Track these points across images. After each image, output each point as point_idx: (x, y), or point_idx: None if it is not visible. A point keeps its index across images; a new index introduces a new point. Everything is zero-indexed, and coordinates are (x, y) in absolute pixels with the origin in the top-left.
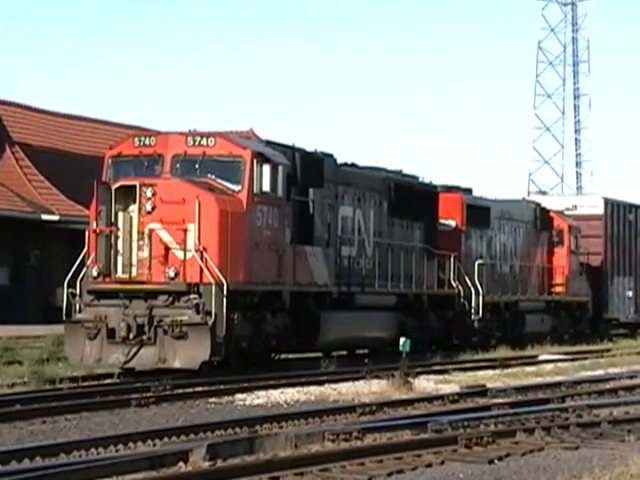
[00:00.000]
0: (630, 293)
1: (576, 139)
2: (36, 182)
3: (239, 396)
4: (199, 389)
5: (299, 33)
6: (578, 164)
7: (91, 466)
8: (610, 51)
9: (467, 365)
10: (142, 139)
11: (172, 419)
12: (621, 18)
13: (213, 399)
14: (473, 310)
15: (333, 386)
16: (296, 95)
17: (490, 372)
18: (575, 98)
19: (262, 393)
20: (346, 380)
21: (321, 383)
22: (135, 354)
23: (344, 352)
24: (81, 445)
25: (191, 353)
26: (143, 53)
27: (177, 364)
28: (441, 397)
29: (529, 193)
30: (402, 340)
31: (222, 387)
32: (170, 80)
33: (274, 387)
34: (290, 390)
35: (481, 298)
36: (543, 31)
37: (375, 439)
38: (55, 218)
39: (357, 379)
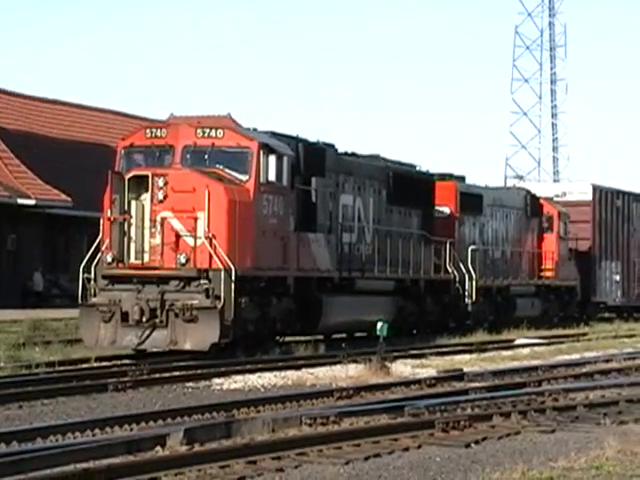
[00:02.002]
0: (617, 277)
1: (553, 124)
2: (12, 166)
3: (216, 380)
4: (176, 374)
5: (286, 14)
6: (555, 149)
7: (68, 451)
8: (587, 35)
9: (444, 349)
10: (153, 131)
11: (149, 403)
12: (597, 2)
13: (190, 383)
14: (467, 294)
15: (310, 370)
16: (277, 79)
17: (467, 356)
18: (552, 83)
19: (239, 377)
20: (323, 365)
21: (298, 367)
22: (148, 336)
23: (344, 335)
24: (58, 430)
25: (201, 335)
26: (125, 36)
27: (188, 346)
28: (418, 381)
29: (506, 178)
30: (379, 324)
31: (199, 372)
32: (152, 63)
33: (251, 371)
34: (267, 374)
35: (474, 283)
36: (520, 16)
37: (352, 423)
38: (31, 202)
39: (334, 363)
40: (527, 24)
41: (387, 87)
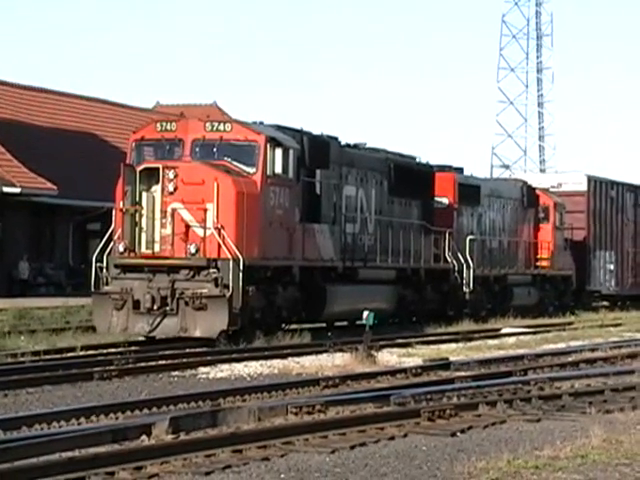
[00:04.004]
0: (611, 266)
1: (539, 113)
2: None
3: (202, 369)
4: (162, 362)
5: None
6: (541, 138)
7: (53, 439)
8: (573, 24)
9: (430, 338)
10: (164, 124)
11: (135, 392)
12: None
13: (176, 372)
14: (465, 283)
15: (296, 359)
16: (265, 66)
17: (453, 345)
18: (538, 72)
19: (225, 366)
20: (309, 353)
21: (284, 356)
22: (159, 324)
23: (345, 323)
24: (43, 418)
25: (210, 323)
26: (112, 24)
27: (197, 333)
28: (404, 370)
29: (492, 167)
30: (366, 313)
31: (185, 360)
32: (140, 51)
33: (237, 360)
34: (253, 363)
35: (472, 272)
36: (507, 4)
37: (338, 412)
38: (17, 191)
39: (320, 352)
40: (514, 13)
41: (371, 76)
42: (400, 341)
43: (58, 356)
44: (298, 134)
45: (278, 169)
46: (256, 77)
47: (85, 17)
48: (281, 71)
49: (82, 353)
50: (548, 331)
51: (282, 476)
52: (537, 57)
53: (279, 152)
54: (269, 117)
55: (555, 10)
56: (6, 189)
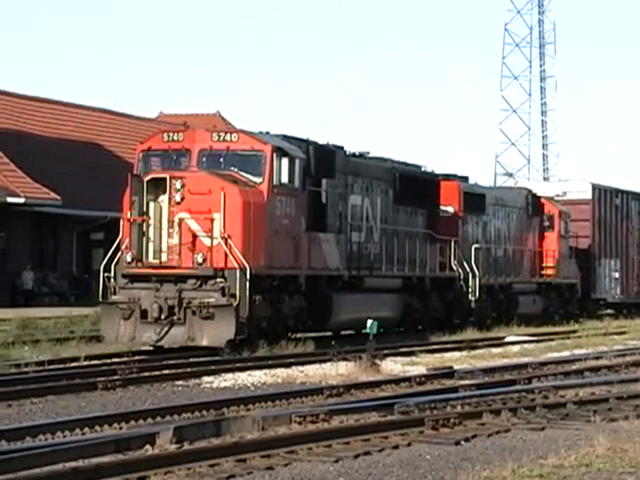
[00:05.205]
0: (616, 274)
1: (542, 121)
2: (1, 165)
3: (206, 379)
4: (166, 372)
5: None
6: (544, 146)
7: (57, 450)
8: (576, 32)
9: (434, 347)
10: (171, 135)
11: (139, 402)
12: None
13: (180, 382)
14: (470, 291)
15: (300, 368)
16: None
17: (457, 354)
18: (541, 80)
19: (229, 376)
20: (313, 362)
21: (288, 365)
22: (166, 333)
23: (352, 332)
24: (47, 428)
25: (217, 332)
26: (113, 33)
27: (205, 342)
28: (408, 379)
29: (496, 175)
30: (369, 322)
31: (189, 370)
32: (145, 58)
33: (241, 370)
34: (257, 372)
35: (477, 280)
36: (509, 13)
37: (342, 421)
38: (21, 201)
39: (324, 361)
40: (516, 21)
41: (375, 85)
42: (404, 350)
43: (62, 366)
44: (304, 144)
45: (284, 179)
46: (260, 86)
47: (86, 26)
48: (285, 80)
49: (86, 363)
50: (552, 339)
51: None
52: (540, 65)
53: (285, 162)
54: (272, 126)
55: (558, 18)
56: (10, 199)
